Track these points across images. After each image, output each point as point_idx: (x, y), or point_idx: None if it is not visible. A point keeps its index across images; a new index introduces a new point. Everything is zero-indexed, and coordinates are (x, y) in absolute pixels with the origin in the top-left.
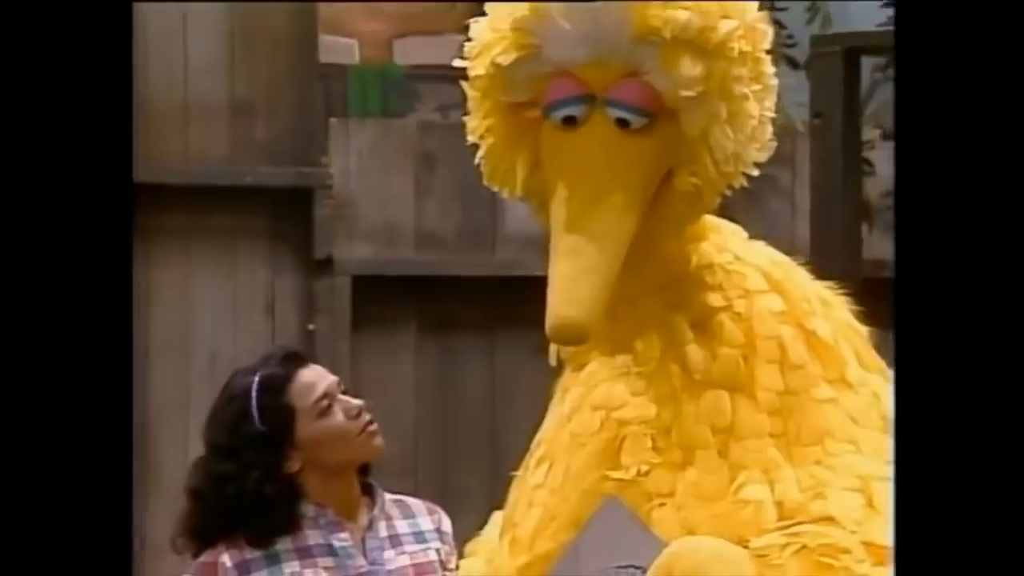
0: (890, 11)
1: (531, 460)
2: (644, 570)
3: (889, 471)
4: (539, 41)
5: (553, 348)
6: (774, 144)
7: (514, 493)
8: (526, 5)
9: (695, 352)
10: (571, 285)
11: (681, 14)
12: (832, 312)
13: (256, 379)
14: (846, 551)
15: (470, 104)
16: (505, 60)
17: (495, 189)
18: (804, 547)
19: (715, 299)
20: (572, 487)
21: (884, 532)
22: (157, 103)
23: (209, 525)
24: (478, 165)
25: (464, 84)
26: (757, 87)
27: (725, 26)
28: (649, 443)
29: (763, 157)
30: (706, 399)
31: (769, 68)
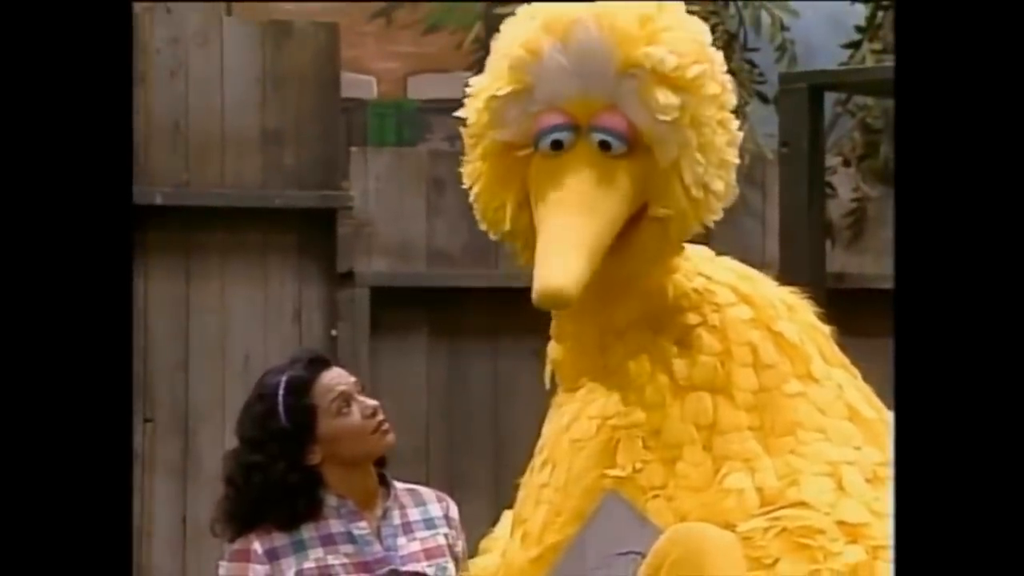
0: (849, 51)
1: (536, 463)
2: (644, 555)
3: (855, 455)
4: (532, 79)
5: (548, 370)
6: (736, 192)
7: (522, 493)
8: (522, 47)
9: (679, 364)
10: (561, 256)
11: (660, 50)
12: (796, 315)
13: (283, 379)
14: (821, 531)
15: (466, 151)
16: (501, 92)
17: (485, 228)
18: (784, 529)
19: (692, 318)
20: (574, 485)
21: (854, 512)
22: (198, 136)
23: (242, 510)
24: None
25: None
26: (722, 132)
27: (698, 67)
28: (640, 444)
29: (728, 201)
30: (689, 401)
31: (733, 123)
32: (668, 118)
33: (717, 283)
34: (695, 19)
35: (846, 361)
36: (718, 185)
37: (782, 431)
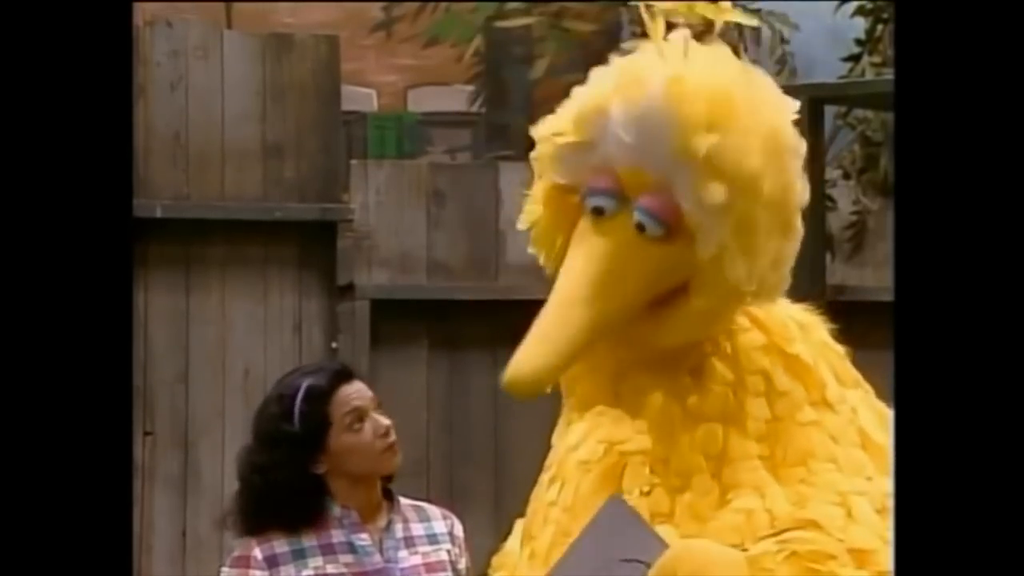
0: (849, 65)
1: (545, 478)
2: (647, 565)
3: (866, 486)
4: (594, 135)
5: (563, 385)
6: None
7: (532, 506)
8: (593, 100)
9: (693, 397)
10: (538, 346)
11: (718, 140)
12: (810, 335)
13: (304, 385)
14: (832, 556)
15: (531, 186)
16: (561, 140)
17: (537, 253)
18: (794, 553)
19: (706, 347)
20: (581, 507)
21: (863, 538)
22: (199, 148)
23: (249, 507)
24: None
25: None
26: (779, 235)
27: (757, 164)
28: (647, 471)
29: (781, 292)
30: (700, 430)
31: (798, 222)
32: (712, 206)
33: None
34: (787, 98)
35: (860, 379)
36: (770, 281)
37: (793, 461)
